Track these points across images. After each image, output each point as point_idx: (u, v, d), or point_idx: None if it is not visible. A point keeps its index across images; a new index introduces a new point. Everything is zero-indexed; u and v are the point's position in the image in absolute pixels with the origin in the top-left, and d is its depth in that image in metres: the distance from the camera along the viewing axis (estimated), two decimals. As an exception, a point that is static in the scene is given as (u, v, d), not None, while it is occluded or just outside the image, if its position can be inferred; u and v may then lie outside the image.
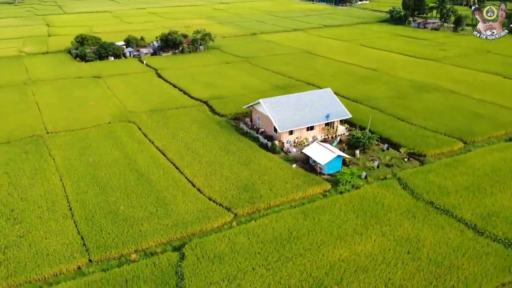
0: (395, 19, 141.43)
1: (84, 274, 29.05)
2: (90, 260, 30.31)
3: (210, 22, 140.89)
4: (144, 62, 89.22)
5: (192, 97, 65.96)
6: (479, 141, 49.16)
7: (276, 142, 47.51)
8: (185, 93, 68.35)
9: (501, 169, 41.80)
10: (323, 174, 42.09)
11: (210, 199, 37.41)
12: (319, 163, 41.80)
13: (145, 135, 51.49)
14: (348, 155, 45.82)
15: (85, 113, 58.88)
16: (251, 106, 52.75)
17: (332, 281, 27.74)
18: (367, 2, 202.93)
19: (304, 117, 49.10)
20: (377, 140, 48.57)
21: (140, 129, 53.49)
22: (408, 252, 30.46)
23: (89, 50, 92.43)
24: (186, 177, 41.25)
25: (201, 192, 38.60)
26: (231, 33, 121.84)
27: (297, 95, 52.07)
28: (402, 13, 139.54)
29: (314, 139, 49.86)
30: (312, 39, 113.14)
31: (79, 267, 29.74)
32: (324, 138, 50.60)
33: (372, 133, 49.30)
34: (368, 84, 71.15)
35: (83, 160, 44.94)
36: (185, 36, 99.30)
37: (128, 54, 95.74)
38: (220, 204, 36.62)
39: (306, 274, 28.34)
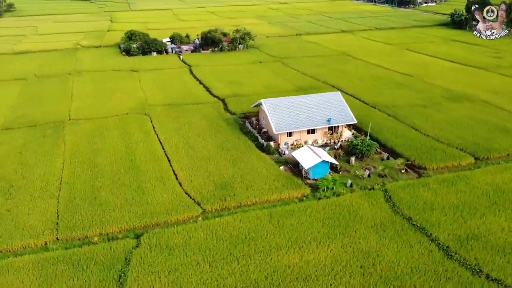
0: (455, 23, 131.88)
1: (48, 250, 31.49)
2: (57, 238, 32.74)
3: (260, 22, 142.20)
4: (181, 57, 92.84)
5: (212, 94, 67.51)
6: (494, 158, 44.82)
7: (271, 143, 47.26)
8: (207, 90, 70.09)
9: (505, 191, 37.84)
10: (309, 179, 41.17)
11: (186, 193, 38.40)
12: (303, 167, 40.96)
13: (153, 127, 53.87)
14: (344, 162, 44.39)
15: (109, 104, 62.85)
16: (258, 106, 52.90)
17: (269, 286, 27.33)
18: (433, 4, 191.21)
19: (304, 120, 48.23)
20: (378, 148, 46.44)
21: (151, 121, 56.05)
22: (361, 267, 28.99)
23: (135, 45, 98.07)
24: (173, 170, 42.62)
25: (180, 185, 39.73)
26: (276, 33, 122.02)
27: (302, 97, 51.31)
28: (464, 16, 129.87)
29: (315, 143, 48.83)
30: (356, 42, 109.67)
31: (45, 243, 32.27)
32: (326, 143, 49.33)
33: (376, 141, 47.23)
34: (396, 90, 67.64)
35: (89, 147, 48.17)
36: (225, 35, 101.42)
37: (170, 50, 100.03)
38: (193, 199, 37.47)
39: (246, 275, 28.20)
